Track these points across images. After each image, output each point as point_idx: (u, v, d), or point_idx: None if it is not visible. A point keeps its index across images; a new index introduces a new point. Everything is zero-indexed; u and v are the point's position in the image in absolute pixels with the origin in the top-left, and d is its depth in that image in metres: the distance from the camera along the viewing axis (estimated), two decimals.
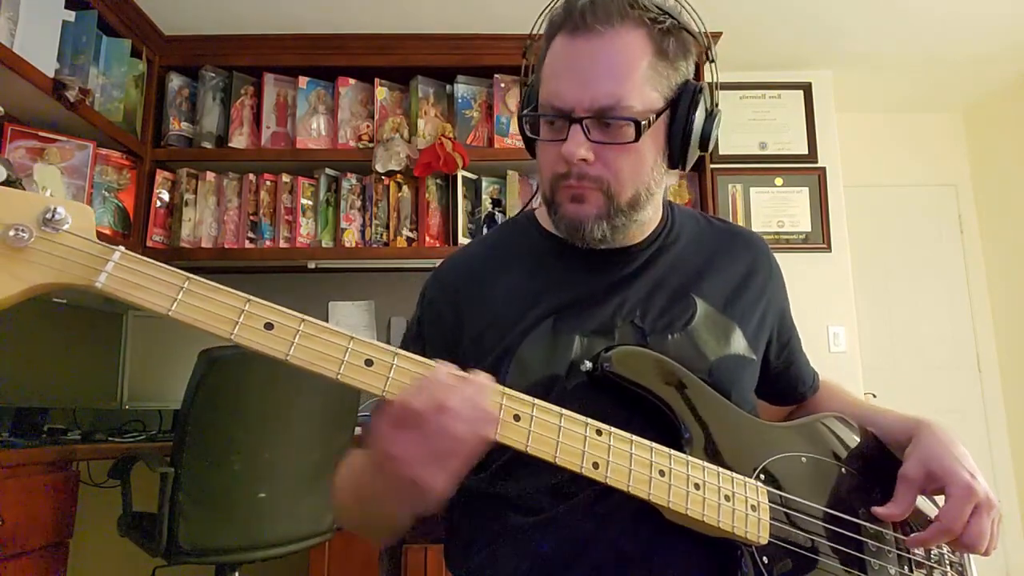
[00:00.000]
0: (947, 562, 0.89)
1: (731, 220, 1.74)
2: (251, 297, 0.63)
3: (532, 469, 0.74)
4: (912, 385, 3.33)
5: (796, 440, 0.86)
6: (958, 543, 0.81)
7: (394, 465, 0.62)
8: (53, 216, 0.58)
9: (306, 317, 0.63)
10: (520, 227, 0.95)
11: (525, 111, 0.85)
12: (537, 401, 0.68)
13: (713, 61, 0.86)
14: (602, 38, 0.77)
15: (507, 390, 0.68)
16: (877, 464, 0.89)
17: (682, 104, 0.81)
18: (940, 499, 0.84)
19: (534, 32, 0.85)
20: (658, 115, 0.79)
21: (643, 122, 0.77)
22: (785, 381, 1.02)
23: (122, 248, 0.61)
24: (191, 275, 0.62)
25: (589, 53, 0.77)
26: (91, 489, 2.08)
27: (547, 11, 0.83)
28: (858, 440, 0.92)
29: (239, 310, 0.62)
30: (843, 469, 0.87)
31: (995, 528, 0.82)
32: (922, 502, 0.86)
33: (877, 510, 0.83)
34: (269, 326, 0.62)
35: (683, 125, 0.81)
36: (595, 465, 0.68)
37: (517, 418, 0.67)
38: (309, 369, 0.62)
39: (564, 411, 0.69)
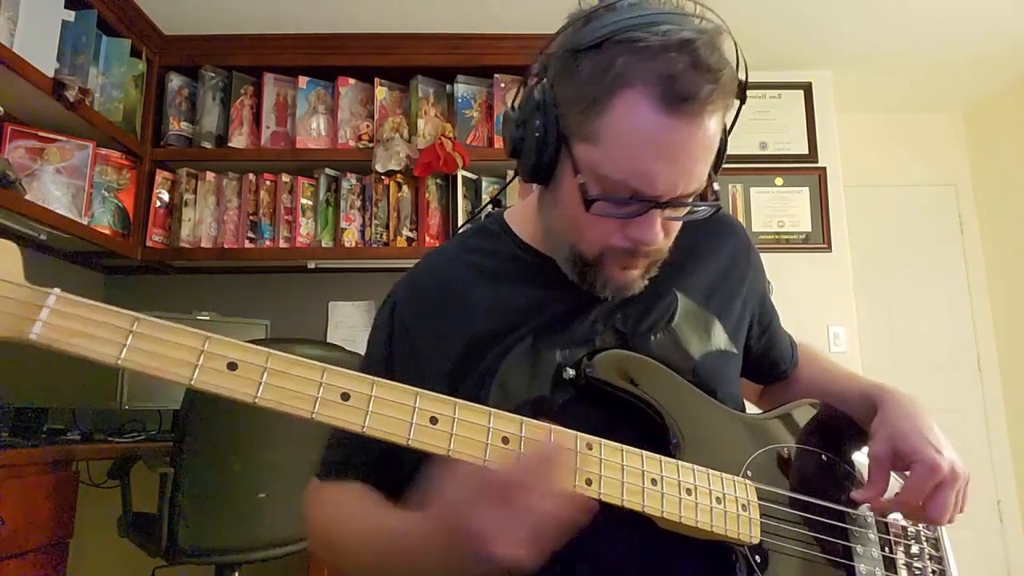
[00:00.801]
0: (923, 538, 0.91)
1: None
2: (210, 335, 0.56)
3: None
4: (912, 385, 3.27)
5: (778, 432, 0.87)
6: (921, 516, 0.82)
7: (472, 540, 0.56)
8: None
9: (272, 351, 0.58)
10: (494, 235, 0.88)
11: (588, 184, 0.70)
12: (525, 420, 0.65)
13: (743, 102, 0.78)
14: (703, 118, 0.67)
15: (494, 411, 0.64)
16: (855, 447, 0.91)
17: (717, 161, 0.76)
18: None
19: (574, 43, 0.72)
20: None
21: (719, 202, 0.74)
22: (767, 362, 1.02)
23: (57, 290, 0.53)
24: (139, 315, 0.55)
25: (689, 137, 0.68)
26: (91, 489, 2.08)
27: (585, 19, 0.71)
28: (834, 424, 0.93)
29: (198, 351, 0.56)
30: (823, 456, 0.88)
31: (960, 497, 0.82)
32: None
33: (855, 495, 0.84)
34: (232, 366, 0.56)
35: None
36: (588, 482, 0.66)
37: (506, 441, 0.63)
38: (281, 411, 0.57)
39: (553, 426, 0.66)
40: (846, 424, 0.94)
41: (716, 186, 0.74)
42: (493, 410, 0.64)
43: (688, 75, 0.65)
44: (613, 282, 0.78)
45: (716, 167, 0.74)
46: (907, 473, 0.83)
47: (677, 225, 0.77)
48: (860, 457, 0.91)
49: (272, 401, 0.57)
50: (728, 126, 0.74)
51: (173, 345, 0.55)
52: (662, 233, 0.73)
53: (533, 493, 0.57)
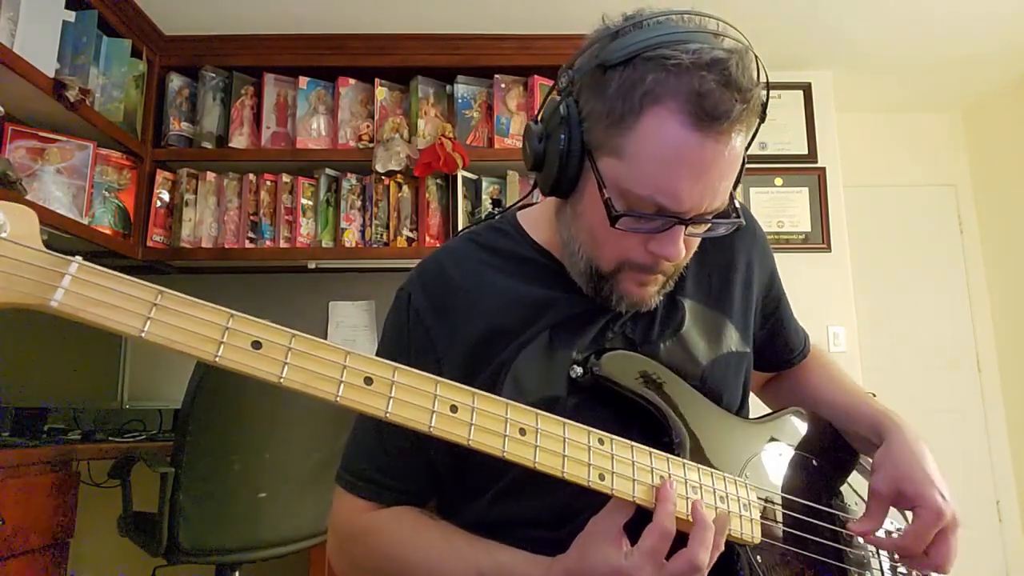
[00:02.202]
0: None
1: None
2: (234, 312, 0.55)
3: (532, 492, 0.73)
4: (912, 385, 3.33)
5: (772, 436, 0.88)
6: (924, 564, 0.81)
7: None
8: None
9: (296, 332, 0.56)
10: (507, 235, 0.87)
11: (613, 199, 0.70)
12: (540, 412, 0.66)
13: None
14: (730, 137, 0.68)
15: (510, 402, 0.65)
16: (839, 456, 0.95)
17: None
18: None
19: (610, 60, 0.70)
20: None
21: (742, 218, 0.74)
22: (771, 350, 1.01)
23: (79, 258, 0.50)
24: (163, 288, 0.53)
25: (716, 155, 0.68)
26: (91, 489, 2.08)
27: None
28: (822, 434, 0.95)
29: (222, 328, 0.54)
30: (814, 462, 0.90)
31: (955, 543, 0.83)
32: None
33: (851, 526, 0.84)
34: (257, 344, 0.54)
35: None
36: (601, 477, 0.66)
37: (523, 432, 0.64)
38: (305, 392, 0.56)
39: (567, 421, 0.67)
40: (833, 434, 0.96)
41: (737, 203, 0.75)
42: (509, 402, 0.65)
43: (718, 94, 0.65)
44: (628, 297, 0.77)
45: (735, 184, 0.75)
46: (906, 513, 0.83)
47: (697, 241, 0.77)
48: (845, 465, 0.94)
49: (298, 383, 0.55)
50: (747, 144, 0.74)
51: (197, 320, 0.53)
52: (684, 249, 0.72)
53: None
